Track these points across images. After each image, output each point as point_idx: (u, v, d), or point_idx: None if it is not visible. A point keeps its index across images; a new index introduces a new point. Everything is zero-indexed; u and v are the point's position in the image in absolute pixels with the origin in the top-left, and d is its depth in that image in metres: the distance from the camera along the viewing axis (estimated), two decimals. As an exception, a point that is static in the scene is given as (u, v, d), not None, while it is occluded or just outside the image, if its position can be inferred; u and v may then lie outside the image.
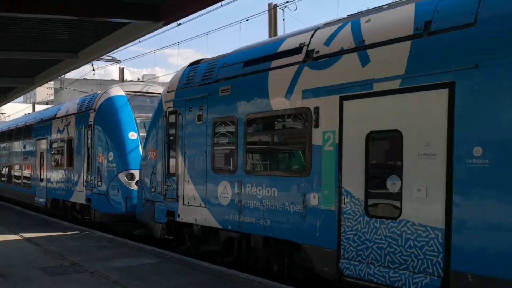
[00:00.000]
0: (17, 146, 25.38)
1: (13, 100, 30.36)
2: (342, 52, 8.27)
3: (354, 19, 8.51)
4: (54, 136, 20.63)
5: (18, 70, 19.41)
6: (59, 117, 20.47)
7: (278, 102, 9.32)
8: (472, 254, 6.34)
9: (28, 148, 23.65)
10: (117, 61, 31.67)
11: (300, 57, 9.02)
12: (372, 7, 8.72)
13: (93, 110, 17.44)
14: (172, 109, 12.36)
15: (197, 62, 12.60)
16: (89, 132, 17.38)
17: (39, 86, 24.03)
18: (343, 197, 8.00)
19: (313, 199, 8.54)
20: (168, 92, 12.71)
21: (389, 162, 7.82)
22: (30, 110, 52.53)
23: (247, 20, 41.21)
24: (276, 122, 9.75)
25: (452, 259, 6.53)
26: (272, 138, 9.96)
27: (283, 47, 9.61)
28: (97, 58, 20.42)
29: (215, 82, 11.06)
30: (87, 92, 25.73)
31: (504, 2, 6.44)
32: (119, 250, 12.64)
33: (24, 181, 23.92)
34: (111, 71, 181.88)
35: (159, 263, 10.95)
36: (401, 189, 7.18)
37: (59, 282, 9.31)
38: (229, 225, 10.32)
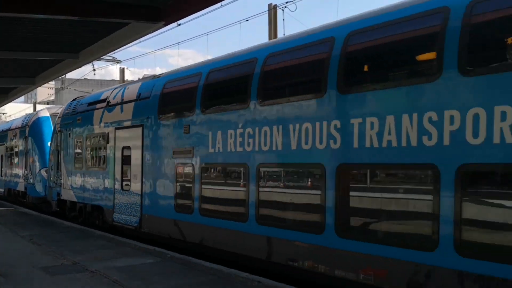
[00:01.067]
0: None
1: (14, 100, 30.45)
2: (116, 104, 15.74)
3: (125, 85, 16.49)
4: (8, 143, 28.78)
5: (19, 70, 19.46)
6: (11, 129, 28.38)
7: (96, 128, 16.82)
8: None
9: None
10: (118, 61, 31.74)
11: (104, 104, 16.42)
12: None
13: (28, 126, 24.86)
14: (59, 128, 19.81)
15: (75, 99, 19.94)
16: (26, 141, 24.94)
17: (40, 86, 24.11)
18: (116, 181, 15.44)
19: (107, 183, 15.90)
20: (58, 117, 20.56)
21: (128, 161, 14.88)
22: (31, 110, 52.62)
23: (247, 20, 41.29)
24: (96, 138, 17.02)
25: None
26: (96, 148, 17.19)
27: (101, 97, 16.96)
28: (98, 58, 20.49)
29: (76, 114, 18.53)
30: (88, 92, 26.12)
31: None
32: (119, 249, 12.68)
33: None
34: (112, 71, 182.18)
35: (159, 263, 10.98)
36: (130, 176, 14.73)
37: (60, 282, 9.34)
38: (80, 199, 17.93)
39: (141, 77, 18.04)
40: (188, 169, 12.31)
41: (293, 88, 9.78)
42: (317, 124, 8.80)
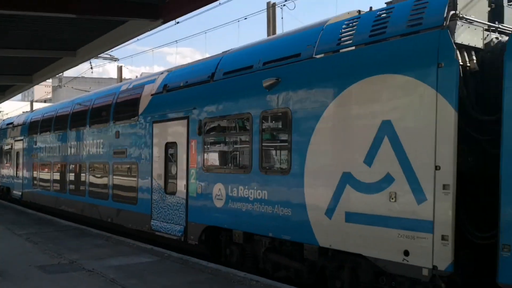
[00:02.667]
0: None
1: (11, 98, 30.36)
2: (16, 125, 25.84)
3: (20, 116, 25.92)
4: None
5: (16, 67, 19.38)
6: None
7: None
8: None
9: None
10: (115, 59, 31.66)
11: (11, 126, 25.80)
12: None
13: None
14: None
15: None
16: None
17: (37, 84, 24.03)
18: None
19: None
20: None
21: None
22: (28, 108, 52.49)
23: (245, 18, 41.21)
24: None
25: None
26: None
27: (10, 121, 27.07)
28: (96, 56, 20.41)
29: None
30: (86, 91, 26.07)
31: None
32: (116, 248, 12.64)
33: None
34: (109, 69, 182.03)
35: (156, 262, 10.95)
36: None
37: (57, 280, 9.30)
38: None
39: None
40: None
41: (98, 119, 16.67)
42: (108, 141, 15.85)
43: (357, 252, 7.84)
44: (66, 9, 11.30)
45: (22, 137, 24.23)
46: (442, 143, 6.74)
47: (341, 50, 8.37)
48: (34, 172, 22.35)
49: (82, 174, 17.54)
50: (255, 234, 9.97)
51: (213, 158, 11.45)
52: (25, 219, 19.23)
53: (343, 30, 8.49)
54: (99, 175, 16.40)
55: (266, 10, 19.97)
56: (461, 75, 6.75)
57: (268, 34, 19.28)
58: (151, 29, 13.11)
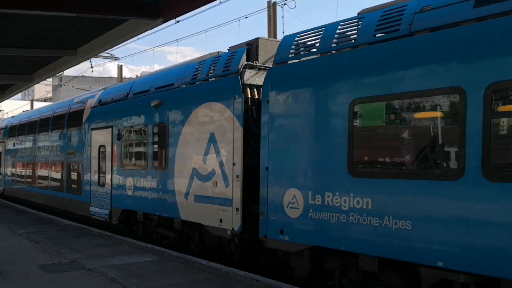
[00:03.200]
0: None
1: (11, 97, 30.32)
2: None
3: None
4: None
5: (16, 67, 19.35)
6: None
7: None
8: None
9: None
10: (116, 58, 31.70)
11: None
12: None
13: None
14: None
15: None
16: None
17: (38, 83, 23.98)
18: None
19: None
20: None
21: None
22: (28, 107, 52.49)
23: (246, 17, 41.21)
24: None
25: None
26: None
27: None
28: (96, 55, 20.38)
29: None
30: (86, 90, 26.26)
31: None
32: (117, 248, 12.63)
33: None
34: (110, 68, 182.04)
35: (157, 261, 10.94)
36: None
37: (58, 280, 9.29)
38: None
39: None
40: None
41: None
42: (63, 144, 19.36)
43: (199, 222, 11.46)
44: (66, 8, 11.28)
45: (3, 140, 27.76)
46: (236, 148, 10.27)
47: (196, 83, 11.93)
48: (12, 170, 26.22)
49: (46, 171, 21.46)
50: (150, 214, 13.60)
51: (126, 158, 14.82)
52: (25, 218, 19.23)
53: (196, 70, 12.10)
54: (57, 172, 20.11)
55: (266, 9, 19.95)
56: (249, 103, 10.29)
57: (269, 33, 19.28)
58: (151, 28, 13.07)
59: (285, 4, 19.14)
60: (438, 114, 6.90)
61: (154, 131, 13.20)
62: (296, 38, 9.26)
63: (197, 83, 11.87)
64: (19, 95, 61.56)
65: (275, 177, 9.20)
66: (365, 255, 7.58)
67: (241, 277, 9.36)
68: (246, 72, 10.41)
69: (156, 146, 13.23)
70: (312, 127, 8.56)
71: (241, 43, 11.24)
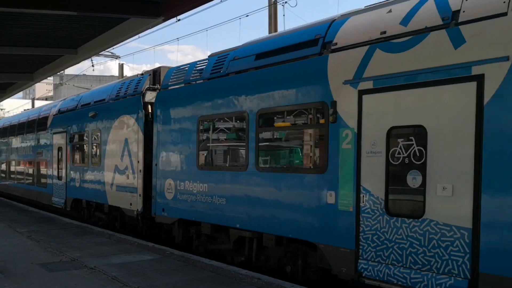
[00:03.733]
0: None
1: (12, 96, 30.36)
2: None
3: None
4: None
5: (17, 65, 19.37)
6: None
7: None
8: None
9: None
10: (117, 57, 31.70)
11: None
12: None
13: None
14: None
15: None
16: None
17: (39, 81, 24.02)
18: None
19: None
20: None
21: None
22: (29, 106, 52.50)
23: (247, 16, 41.20)
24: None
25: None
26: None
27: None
28: (97, 53, 20.41)
29: None
30: (87, 88, 26.39)
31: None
32: (118, 246, 12.64)
33: None
34: (111, 67, 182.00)
35: (158, 260, 10.95)
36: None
37: (59, 278, 9.29)
38: None
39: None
40: None
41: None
42: (35, 145, 22.49)
43: (117, 205, 15.00)
44: (67, 7, 11.28)
45: None
46: (139, 150, 13.77)
47: (117, 99, 15.28)
48: None
49: (22, 168, 25.20)
50: (91, 201, 17.06)
51: (75, 157, 18.29)
52: (27, 217, 19.25)
53: (118, 89, 15.45)
54: (30, 169, 23.55)
55: (267, 7, 19.94)
56: (149, 117, 13.50)
57: (270, 32, 19.27)
58: (152, 27, 13.10)
59: (286, 2, 19.14)
60: (238, 128, 10.71)
61: (92, 136, 16.79)
62: (174, 71, 12.60)
63: (119, 99, 15.18)
64: (20, 94, 61.59)
65: (160, 171, 12.66)
66: (204, 223, 11.24)
67: (242, 275, 9.36)
68: (147, 94, 13.82)
69: (93, 147, 16.99)
70: (178, 135, 12.04)
71: (150, 70, 14.55)
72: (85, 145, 17.48)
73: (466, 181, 6.39)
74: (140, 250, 12.10)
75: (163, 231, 13.53)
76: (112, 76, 59.37)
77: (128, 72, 45.29)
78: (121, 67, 35.83)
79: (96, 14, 11.96)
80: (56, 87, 69.42)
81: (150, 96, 13.65)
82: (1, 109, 75.53)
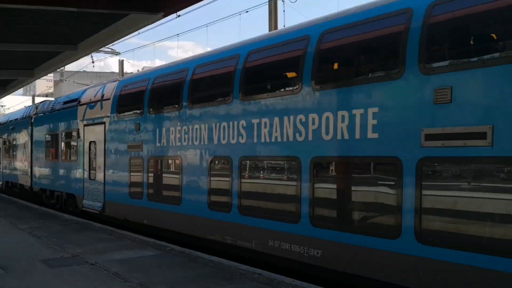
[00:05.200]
0: None
1: (12, 92, 30.37)
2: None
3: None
4: None
5: (17, 62, 19.35)
6: None
7: None
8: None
9: None
10: (117, 53, 31.66)
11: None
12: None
13: None
14: None
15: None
16: None
17: (39, 78, 24.02)
18: None
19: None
20: None
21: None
22: (30, 103, 52.50)
23: (247, 11, 41.16)
24: None
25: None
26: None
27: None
28: (97, 49, 20.38)
29: None
30: (87, 85, 26.41)
31: None
32: (119, 242, 12.67)
33: None
34: (111, 63, 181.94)
35: (159, 256, 10.97)
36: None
37: (61, 274, 9.33)
38: None
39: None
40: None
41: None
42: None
43: (22, 183, 25.63)
44: (67, 3, 11.26)
45: None
46: (29, 149, 23.99)
47: (24, 119, 25.18)
48: None
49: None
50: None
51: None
52: (28, 213, 19.29)
53: (22, 113, 25.62)
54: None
55: (267, 3, 19.89)
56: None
57: (270, 28, 19.22)
58: (152, 23, 13.06)
59: (286, -3, 19.05)
60: (74, 136, 18.98)
61: (12, 140, 26.97)
62: (41, 105, 19.69)
63: (24, 118, 24.60)
64: (21, 90, 61.58)
65: (35, 162, 22.16)
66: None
67: (243, 271, 9.39)
68: (33, 118, 23.32)
69: (13, 147, 25.99)
70: (39, 142, 22.02)
71: (38, 102, 22.62)
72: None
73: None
74: (141, 246, 12.13)
75: (38, 195, 22.89)
76: (113, 73, 59.34)
77: (128, 68, 45.35)
78: (121, 63, 35.78)
79: (96, 10, 11.92)
80: (56, 83, 69.42)
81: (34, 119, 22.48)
82: (2, 106, 75.57)
